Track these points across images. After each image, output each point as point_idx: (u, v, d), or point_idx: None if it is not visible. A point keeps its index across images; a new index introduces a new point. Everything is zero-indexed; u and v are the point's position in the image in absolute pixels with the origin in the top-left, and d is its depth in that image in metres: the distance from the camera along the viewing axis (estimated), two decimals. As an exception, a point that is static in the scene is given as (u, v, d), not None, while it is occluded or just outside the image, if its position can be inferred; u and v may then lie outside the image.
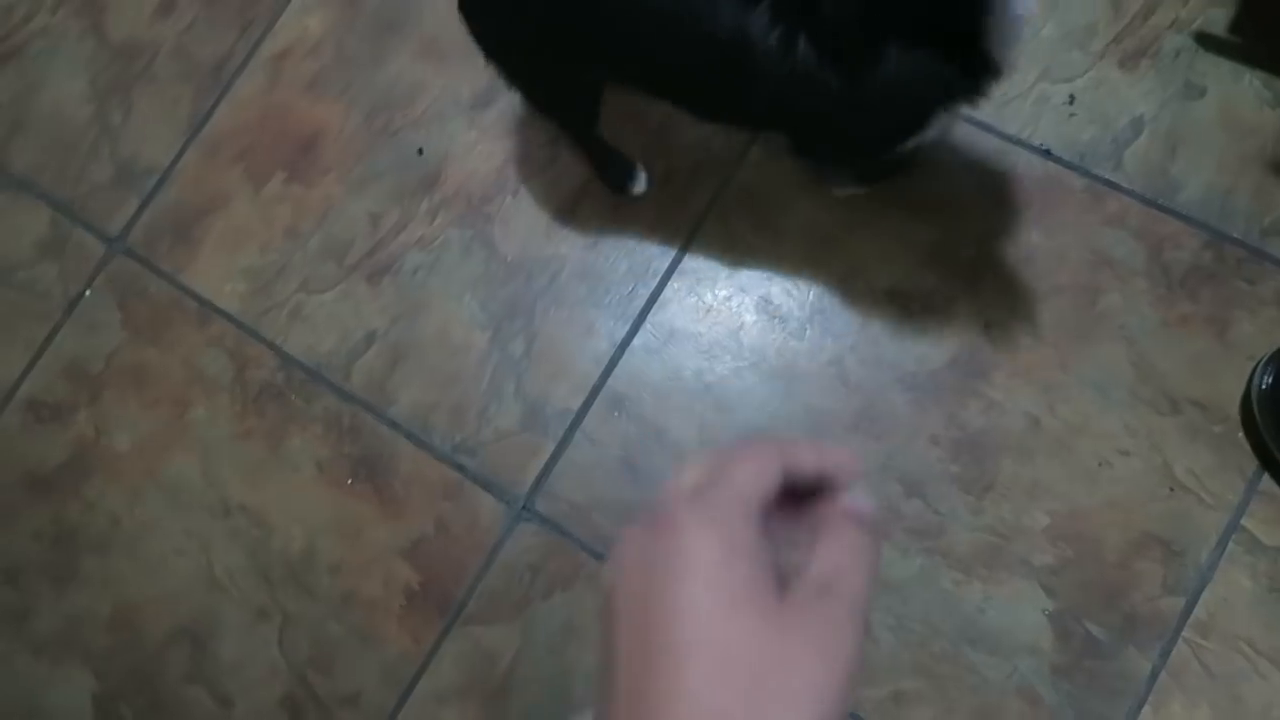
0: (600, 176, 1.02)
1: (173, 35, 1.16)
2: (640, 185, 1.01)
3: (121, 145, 1.14)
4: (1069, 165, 0.97)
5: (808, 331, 0.98)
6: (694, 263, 1.01)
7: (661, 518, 0.34)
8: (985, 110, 0.98)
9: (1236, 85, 0.97)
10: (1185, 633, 0.87)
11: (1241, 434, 0.89)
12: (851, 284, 0.98)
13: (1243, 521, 0.88)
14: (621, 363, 0.99)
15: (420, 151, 1.07)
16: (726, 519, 0.34)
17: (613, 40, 0.74)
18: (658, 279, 1.01)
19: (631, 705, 0.32)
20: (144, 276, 1.10)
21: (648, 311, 1.00)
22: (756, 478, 0.35)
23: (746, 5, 0.66)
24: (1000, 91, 0.71)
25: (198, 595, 1.01)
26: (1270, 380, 0.86)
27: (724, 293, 1.00)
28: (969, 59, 0.66)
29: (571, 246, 1.03)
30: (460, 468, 1.00)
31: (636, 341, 0.99)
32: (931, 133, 0.73)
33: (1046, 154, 0.98)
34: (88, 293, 1.10)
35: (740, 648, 0.31)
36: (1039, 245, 0.96)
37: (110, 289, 1.10)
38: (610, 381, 0.99)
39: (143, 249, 1.10)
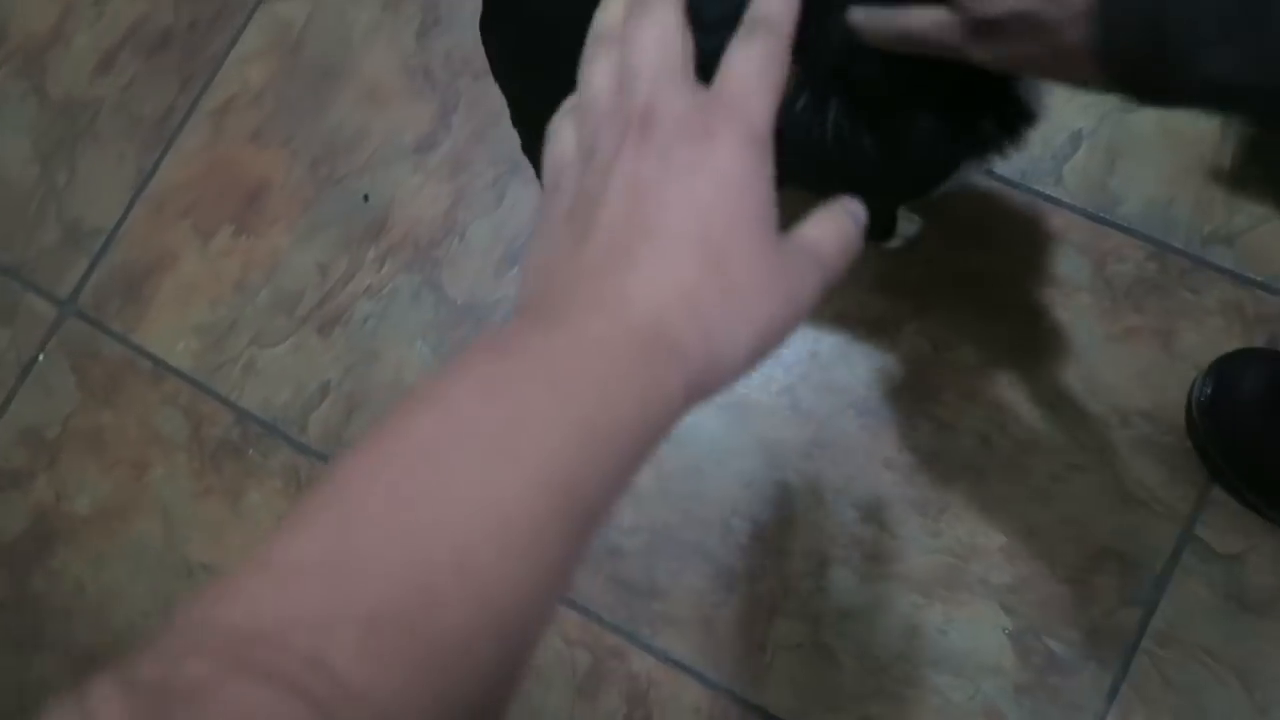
0: None
1: (114, 92, 1.16)
2: None
3: (68, 206, 1.13)
4: (1010, 183, 0.98)
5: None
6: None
7: (689, 112, 0.35)
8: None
9: (1171, 94, 0.97)
10: (1145, 644, 0.88)
11: (1190, 444, 0.90)
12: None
13: (1196, 530, 0.89)
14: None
15: (366, 198, 1.07)
16: (759, 128, 0.35)
17: None
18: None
19: (600, 275, 0.33)
20: (96, 338, 1.09)
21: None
22: (771, 87, 0.36)
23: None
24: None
25: (165, 656, 1.01)
26: (1209, 390, 0.87)
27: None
28: (1003, 109, 0.65)
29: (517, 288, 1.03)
30: (420, 515, 1.00)
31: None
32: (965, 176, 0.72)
33: (988, 172, 0.98)
34: (41, 357, 1.10)
35: (737, 257, 0.33)
36: (984, 264, 0.97)
37: (63, 352, 1.10)
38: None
39: (93, 310, 1.10)
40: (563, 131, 0.39)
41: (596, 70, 0.38)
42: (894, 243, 0.96)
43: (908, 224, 0.96)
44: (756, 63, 0.35)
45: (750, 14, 0.36)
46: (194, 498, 1.04)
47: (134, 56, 1.16)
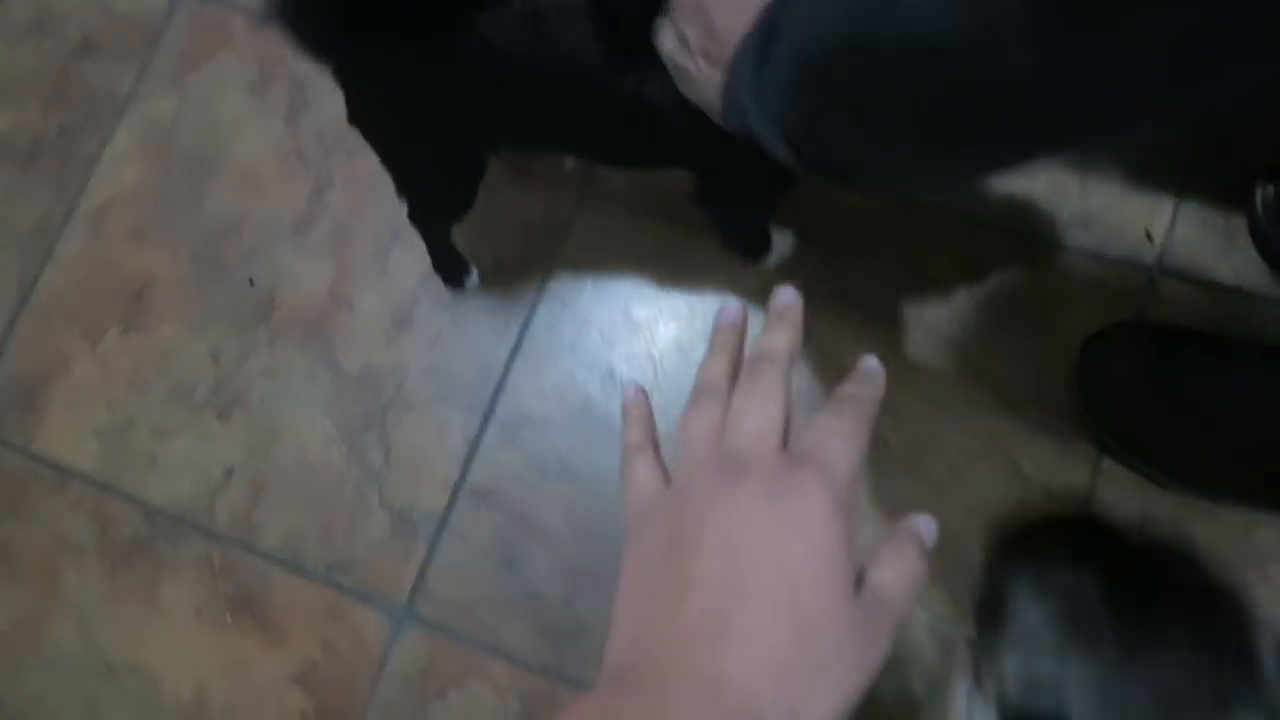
0: (440, 273, 1.03)
1: (-9, 206, 1.16)
2: (474, 280, 1.03)
3: (-46, 324, 1.13)
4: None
5: (654, 395, 0.99)
6: (533, 345, 1.02)
7: (780, 471, 0.38)
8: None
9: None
10: (1057, 623, 0.89)
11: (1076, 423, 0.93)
12: (686, 343, 1.00)
13: (1094, 505, 0.91)
14: (478, 456, 1.00)
15: (251, 282, 1.07)
16: (844, 491, 0.37)
17: (525, 109, 0.76)
18: (501, 366, 1.02)
19: (697, 647, 0.34)
20: (-5, 453, 1.08)
21: (495, 401, 1.01)
22: (856, 453, 0.38)
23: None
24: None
25: (94, 765, 0.99)
26: (1083, 371, 0.90)
27: (567, 369, 1.01)
28: None
29: (413, 350, 1.04)
30: (337, 586, 0.99)
31: (490, 433, 1.00)
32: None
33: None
34: (-60, 478, 1.09)
35: (822, 623, 0.35)
36: (856, 276, 0.99)
37: (-38, 470, 1.08)
38: (470, 476, 1.00)
39: (-11, 425, 1.09)
40: (641, 466, 0.41)
41: (697, 418, 0.40)
42: (769, 261, 0.98)
43: (781, 241, 0.98)
44: (845, 430, 0.38)
45: (842, 389, 0.39)
46: (108, 599, 1.03)
47: (6, 168, 1.16)
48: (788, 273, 0.99)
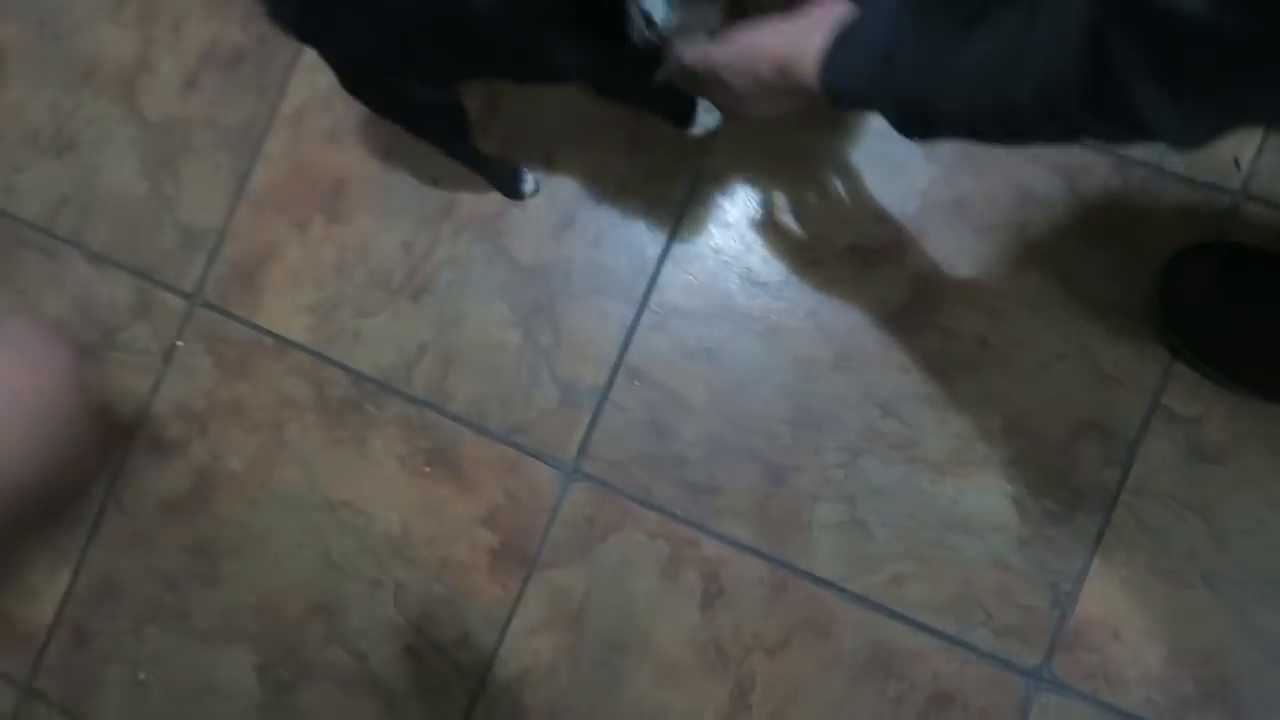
0: (495, 187, 1.20)
1: (202, 109, 1.32)
2: (530, 185, 1.20)
3: (180, 213, 1.32)
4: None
5: (786, 293, 1.16)
6: (682, 246, 1.18)
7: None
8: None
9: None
10: (1123, 497, 1.07)
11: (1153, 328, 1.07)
12: (818, 246, 1.15)
13: (1162, 400, 1.07)
14: (634, 341, 1.18)
15: (435, 181, 1.24)
16: None
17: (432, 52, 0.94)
18: (653, 264, 1.19)
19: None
20: (224, 324, 1.29)
21: (649, 294, 1.18)
22: None
23: None
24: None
25: (322, 578, 1.24)
26: (1164, 284, 1.04)
27: (711, 268, 1.18)
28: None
29: (576, 247, 1.20)
30: (516, 445, 1.20)
31: (644, 321, 1.18)
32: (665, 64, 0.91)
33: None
34: (179, 343, 1.30)
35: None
36: (971, 190, 1.12)
37: (198, 338, 1.30)
38: (627, 357, 1.18)
39: (218, 300, 1.30)
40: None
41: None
42: (696, 130, 1.12)
43: (708, 115, 1.12)
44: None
45: None
46: (325, 448, 1.25)
47: (215, 75, 1.32)
48: (903, 189, 1.13)
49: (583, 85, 1.03)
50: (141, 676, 1.28)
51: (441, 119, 1.09)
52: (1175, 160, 1.09)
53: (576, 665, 1.17)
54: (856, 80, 0.73)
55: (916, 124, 0.71)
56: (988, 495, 1.09)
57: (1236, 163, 1.08)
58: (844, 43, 0.73)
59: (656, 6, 0.82)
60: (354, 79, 1.02)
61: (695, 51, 0.86)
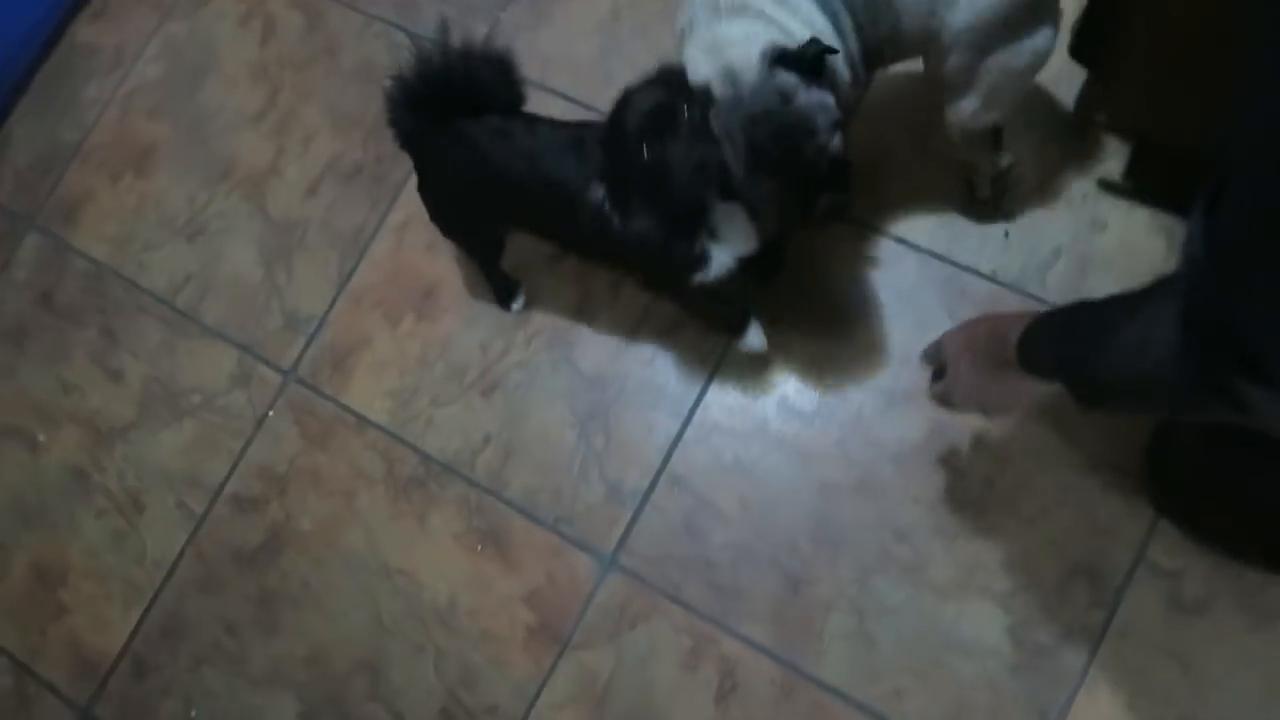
0: (493, 293, 1.41)
1: (319, 212, 1.52)
2: (518, 305, 1.41)
3: (287, 299, 1.50)
4: (1007, 286, 1.29)
5: (817, 421, 1.30)
6: (726, 372, 1.34)
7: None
8: (940, 243, 1.31)
9: (1131, 218, 1.28)
10: (1108, 637, 1.17)
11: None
12: (849, 383, 1.30)
13: (1147, 553, 1.19)
14: (677, 452, 1.32)
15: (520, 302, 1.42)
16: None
17: (513, 203, 1.18)
18: (700, 386, 1.34)
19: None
20: (313, 399, 1.45)
21: (694, 411, 1.33)
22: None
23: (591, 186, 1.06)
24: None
25: (371, 637, 1.35)
26: (1152, 456, 1.17)
27: (751, 393, 1.33)
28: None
29: (633, 363, 1.36)
30: (561, 534, 1.33)
31: (688, 435, 1.33)
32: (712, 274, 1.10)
33: (992, 278, 1.29)
34: (271, 413, 1.46)
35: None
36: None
37: (288, 409, 1.46)
38: (670, 465, 1.32)
39: (310, 378, 1.46)
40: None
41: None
42: (744, 346, 1.33)
43: (756, 337, 1.31)
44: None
45: None
46: (390, 519, 1.39)
47: (333, 184, 1.53)
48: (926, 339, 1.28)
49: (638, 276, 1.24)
50: (193, 714, 1.39)
51: (491, 247, 1.34)
52: (1169, 340, 1.23)
53: (595, 743, 1.27)
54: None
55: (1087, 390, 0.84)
56: (985, 622, 1.20)
57: (1223, 348, 1.22)
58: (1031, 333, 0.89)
59: (723, 255, 1.01)
60: (431, 201, 1.25)
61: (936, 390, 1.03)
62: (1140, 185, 1.28)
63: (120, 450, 1.50)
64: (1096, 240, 1.28)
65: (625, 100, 1.00)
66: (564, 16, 1.52)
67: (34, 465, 1.53)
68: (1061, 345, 0.85)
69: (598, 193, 1.04)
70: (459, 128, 1.13)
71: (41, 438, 1.54)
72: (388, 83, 1.12)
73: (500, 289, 1.40)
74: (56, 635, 1.46)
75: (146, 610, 1.44)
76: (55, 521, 1.50)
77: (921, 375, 1.27)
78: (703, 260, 1.08)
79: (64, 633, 1.46)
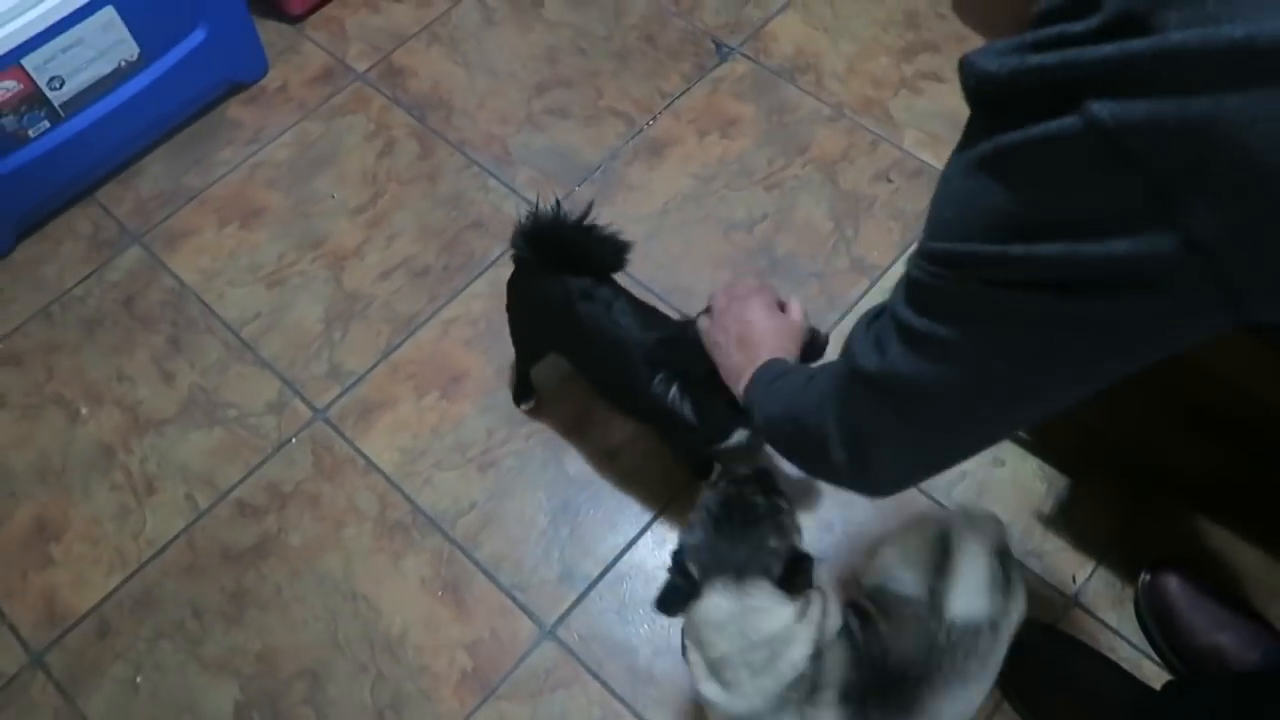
0: (513, 391, 1.71)
1: (384, 294, 1.83)
2: (528, 404, 1.70)
3: (336, 353, 1.77)
4: (922, 491, 1.60)
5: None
6: (680, 502, 1.61)
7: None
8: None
9: (1024, 463, 1.62)
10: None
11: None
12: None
13: (988, 725, 1.44)
14: (627, 555, 1.57)
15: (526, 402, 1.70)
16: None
17: (579, 348, 1.49)
18: (658, 508, 1.61)
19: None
20: (333, 438, 1.69)
21: (648, 526, 1.59)
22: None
23: (650, 368, 1.37)
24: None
25: (322, 649, 1.53)
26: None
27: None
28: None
29: (610, 477, 1.64)
30: (514, 599, 1.55)
31: (639, 543, 1.58)
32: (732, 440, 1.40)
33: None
34: (293, 440, 1.70)
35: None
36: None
37: (309, 441, 1.69)
38: (619, 564, 1.57)
39: (336, 420, 1.71)
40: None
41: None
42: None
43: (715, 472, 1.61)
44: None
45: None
46: (370, 553, 1.60)
47: (403, 276, 1.84)
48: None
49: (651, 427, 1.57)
50: (138, 680, 1.52)
51: (536, 359, 1.65)
52: (1035, 563, 1.54)
53: (494, 785, 1.43)
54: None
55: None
56: None
57: (1074, 579, 1.53)
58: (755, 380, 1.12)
59: (743, 434, 1.34)
60: (515, 311, 1.57)
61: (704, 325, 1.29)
62: (1036, 442, 1.64)
63: (150, 440, 1.71)
64: (995, 472, 1.61)
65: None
66: (623, 203, 1.91)
67: (69, 433, 1.73)
68: (770, 423, 1.05)
69: (659, 375, 1.36)
70: (561, 280, 1.40)
71: (84, 411, 1.75)
72: (523, 214, 1.40)
73: (520, 388, 1.69)
74: (36, 583, 1.61)
75: (126, 580, 1.60)
76: (70, 485, 1.68)
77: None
78: (728, 435, 1.39)
79: (43, 583, 1.61)
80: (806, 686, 1.11)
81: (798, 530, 1.21)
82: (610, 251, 1.39)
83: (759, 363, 1.12)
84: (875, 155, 1.97)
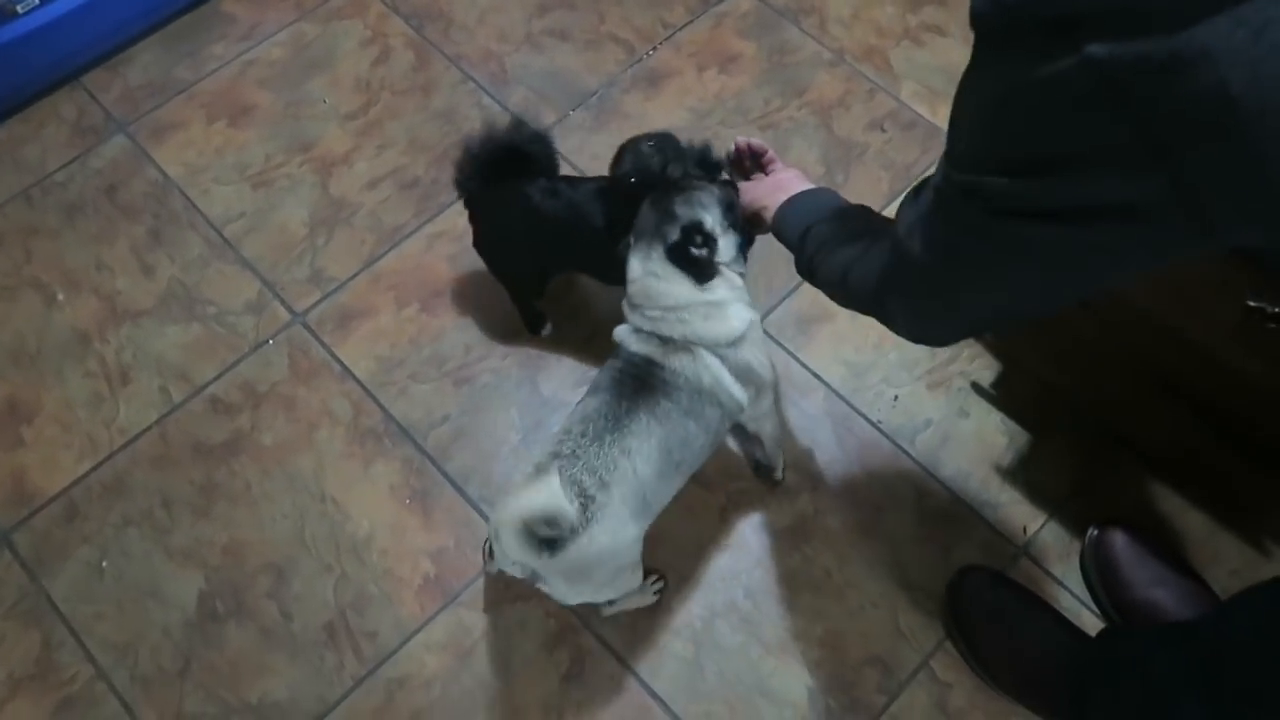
0: (525, 323, 1.71)
1: (371, 203, 1.82)
2: (548, 330, 1.72)
3: (319, 259, 1.77)
4: (886, 435, 1.64)
5: (713, 486, 1.60)
6: (655, 429, 1.64)
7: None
8: (846, 387, 1.66)
9: (988, 417, 1.66)
10: (882, 718, 1.45)
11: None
12: (745, 468, 1.61)
13: (930, 662, 1.49)
14: (596, 475, 1.60)
15: (507, 320, 1.71)
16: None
17: (558, 248, 1.53)
18: (631, 432, 1.63)
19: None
20: (310, 343, 1.70)
21: (620, 449, 1.62)
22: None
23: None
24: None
25: (288, 546, 1.55)
26: (951, 589, 1.49)
27: (668, 451, 1.62)
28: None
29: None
30: (480, 511, 1.58)
31: (609, 465, 1.61)
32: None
33: (877, 425, 1.65)
34: (270, 342, 1.70)
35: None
36: (859, 478, 1.61)
37: (286, 344, 1.70)
38: (586, 484, 1.59)
39: (315, 325, 1.72)
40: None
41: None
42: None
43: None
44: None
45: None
46: (341, 457, 1.62)
47: (391, 186, 1.84)
48: (806, 469, 1.61)
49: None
50: (104, 564, 1.55)
51: (531, 286, 1.65)
52: (992, 514, 1.59)
53: (449, 687, 1.47)
54: (787, 233, 1.26)
55: (805, 272, 1.22)
56: (793, 680, 1.47)
57: (1025, 530, 1.58)
58: (789, 206, 1.27)
59: (729, 246, 1.36)
60: (487, 246, 1.58)
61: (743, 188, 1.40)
62: (1000, 395, 1.67)
63: (127, 330, 1.72)
64: (959, 423, 1.65)
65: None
66: (617, 131, 1.90)
67: (45, 318, 1.73)
68: (800, 241, 1.22)
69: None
70: (515, 188, 1.48)
71: (61, 297, 1.74)
72: (457, 153, 1.50)
73: (531, 319, 1.71)
74: (5, 462, 1.62)
75: (96, 466, 1.61)
76: (44, 369, 1.69)
77: (804, 479, 1.60)
78: None
79: (13, 463, 1.62)
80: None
81: (721, 207, 1.34)
82: (544, 143, 1.51)
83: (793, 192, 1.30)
84: (872, 104, 1.97)
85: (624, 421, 1.26)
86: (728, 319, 1.32)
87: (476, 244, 1.60)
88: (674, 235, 1.29)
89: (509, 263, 1.62)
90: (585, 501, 1.20)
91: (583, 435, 1.25)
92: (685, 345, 1.31)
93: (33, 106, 1.92)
